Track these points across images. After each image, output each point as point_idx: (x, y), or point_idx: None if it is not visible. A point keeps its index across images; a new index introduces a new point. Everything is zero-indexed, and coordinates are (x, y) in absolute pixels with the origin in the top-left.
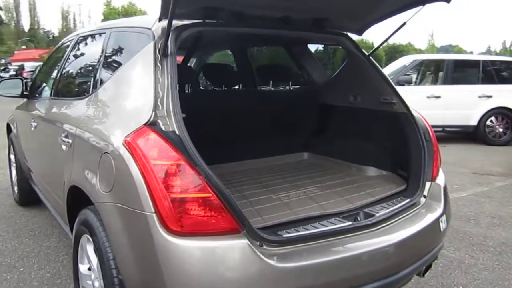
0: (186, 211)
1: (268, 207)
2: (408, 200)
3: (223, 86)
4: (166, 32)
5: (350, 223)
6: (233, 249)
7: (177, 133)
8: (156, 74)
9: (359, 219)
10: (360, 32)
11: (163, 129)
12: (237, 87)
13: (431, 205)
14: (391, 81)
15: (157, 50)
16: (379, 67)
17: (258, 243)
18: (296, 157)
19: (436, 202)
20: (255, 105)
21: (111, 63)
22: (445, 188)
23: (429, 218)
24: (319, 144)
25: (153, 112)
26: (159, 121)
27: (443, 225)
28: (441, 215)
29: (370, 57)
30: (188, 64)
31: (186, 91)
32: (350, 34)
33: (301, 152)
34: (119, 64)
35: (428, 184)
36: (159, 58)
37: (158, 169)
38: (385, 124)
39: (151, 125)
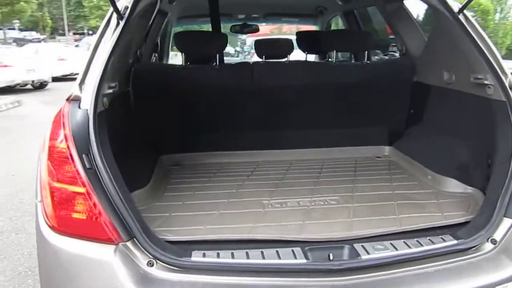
0: (62, 205)
1: (236, 215)
2: (455, 242)
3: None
4: None
5: (300, 261)
6: (98, 262)
7: (89, 115)
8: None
9: (330, 257)
10: None
11: (80, 107)
12: (298, 58)
13: (500, 261)
14: (489, 50)
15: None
16: (476, 28)
17: (147, 262)
18: (374, 150)
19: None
20: (321, 80)
21: None
22: None
23: (488, 279)
24: (405, 138)
25: (79, 86)
26: (81, 96)
27: None
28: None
29: (462, 14)
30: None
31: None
32: None
33: (382, 145)
34: None
35: (507, 222)
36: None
37: (51, 152)
38: (474, 116)
39: (72, 100)
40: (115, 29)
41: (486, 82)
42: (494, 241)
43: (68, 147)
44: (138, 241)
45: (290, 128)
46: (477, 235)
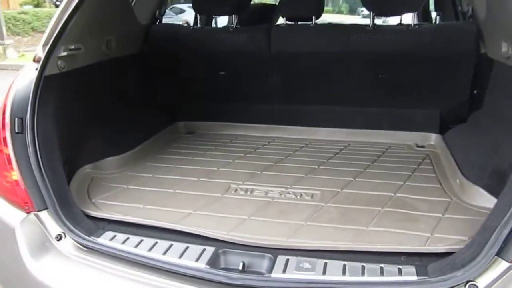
0: None
1: (185, 198)
2: (412, 279)
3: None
4: None
5: (197, 265)
6: (6, 226)
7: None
8: None
9: (240, 267)
10: None
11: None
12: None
13: None
14: None
15: None
16: None
17: (56, 235)
18: (417, 137)
19: None
20: (354, 48)
21: None
22: None
23: None
24: (458, 127)
25: (43, 48)
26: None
27: None
28: None
29: None
30: None
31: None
32: None
33: (428, 132)
34: None
35: (500, 265)
36: None
37: None
38: None
39: (35, 61)
40: None
41: None
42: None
43: (4, 109)
44: (51, 213)
45: (313, 102)
46: (448, 276)
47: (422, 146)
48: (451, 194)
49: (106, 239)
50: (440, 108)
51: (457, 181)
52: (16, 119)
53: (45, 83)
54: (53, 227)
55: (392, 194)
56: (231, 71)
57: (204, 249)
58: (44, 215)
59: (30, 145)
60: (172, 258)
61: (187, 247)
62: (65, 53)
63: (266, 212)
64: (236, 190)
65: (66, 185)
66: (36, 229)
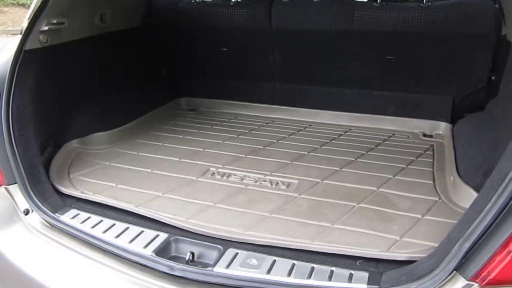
0: None
1: (158, 179)
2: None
3: None
4: None
5: (144, 252)
6: None
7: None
8: None
9: (187, 257)
10: None
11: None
12: None
13: None
14: None
15: None
16: None
17: (24, 209)
18: (425, 125)
19: None
20: (361, 26)
21: None
22: None
23: None
24: (470, 116)
25: (28, 21)
26: None
27: None
28: None
29: None
30: None
31: None
32: None
33: (438, 120)
34: None
35: (458, 282)
36: None
37: None
38: None
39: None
40: None
41: None
42: None
43: None
44: (20, 187)
45: (315, 83)
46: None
47: (430, 136)
48: (441, 193)
49: (68, 217)
50: (453, 94)
51: (451, 178)
52: None
53: (25, 57)
54: (22, 202)
55: (375, 189)
56: (233, 47)
57: (157, 235)
58: (14, 189)
59: (4, 120)
60: (122, 242)
61: (142, 232)
62: (46, 28)
63: (234, 200)
64: (213, 174)
65: (38, 161)
66: (5, 202)
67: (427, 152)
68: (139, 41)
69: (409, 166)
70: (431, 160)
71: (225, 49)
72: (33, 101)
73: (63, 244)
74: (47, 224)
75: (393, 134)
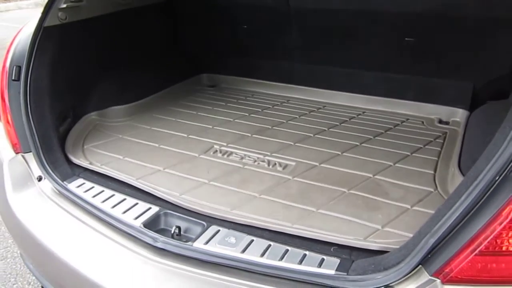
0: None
1: (161, 154)
2: (329, 273)
3: None
4: None
5: (133, 222)
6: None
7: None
8: None
9: (173, 231)
10: None
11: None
12: None
13: None
14: None
15: None
16: None
17: (37, 176)
18: (442, 112)
19: None
20: (381, 6)
21: None
22: None
23: None
24: (488, 105)
25: None
26: None
27: None
28: None
29: None
30: None
31: None
32: None
33: (456, 107)
34: None
35: (421, 277)
36: None
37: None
38: None
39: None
40: None
41: None
42: None
43: (5, 57)
44: (34, 155)
45: (332, 63)
46: (367, 277)
47: (446, 123)
48: (439, 184)
49: (74, 186)
50: (474, 80)
51: (452, 169)
52: (15, 67)
53: (44, 33)
54: (35, 169)
55: (371, 176)
56: (252, 25)
57: (149, 208)
58: (29, 157)
59: (21, 92)
60: (116, 212)
61: (136, 204)
62: (65, 5)
63: (228, 179)
64: (215, 151)
65: (52, 131)
66: (21, 168)
67: (437, 140)
68: (162, 16)
69: (413, 154)
70: (439, 149)
71: (245, 26)
72: (51, 75)
73: (66, 210)
74: (56, 191)
75: (407, 119)
